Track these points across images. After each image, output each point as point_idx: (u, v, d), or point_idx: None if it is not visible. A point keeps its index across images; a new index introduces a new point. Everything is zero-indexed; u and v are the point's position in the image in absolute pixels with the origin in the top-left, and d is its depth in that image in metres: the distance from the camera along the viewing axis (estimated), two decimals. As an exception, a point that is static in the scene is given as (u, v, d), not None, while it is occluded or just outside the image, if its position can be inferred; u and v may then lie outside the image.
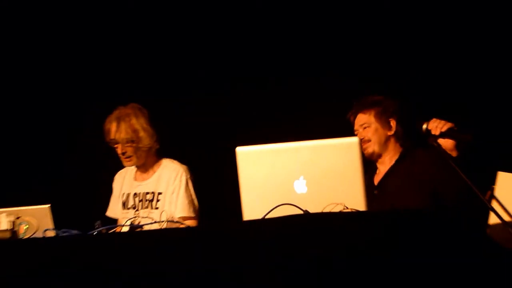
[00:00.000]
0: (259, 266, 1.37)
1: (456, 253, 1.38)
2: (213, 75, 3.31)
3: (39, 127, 3.54)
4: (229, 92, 3.28)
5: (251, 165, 1.71)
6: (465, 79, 2.93)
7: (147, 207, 2.73)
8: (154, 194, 2.73)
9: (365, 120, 2.47)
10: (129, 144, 2.65)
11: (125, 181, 2.85)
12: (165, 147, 2.81)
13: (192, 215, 2.66)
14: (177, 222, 2.24)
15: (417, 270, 1.33)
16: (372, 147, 2.45)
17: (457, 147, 2.12)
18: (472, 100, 2.85)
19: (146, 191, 2.75)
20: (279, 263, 1.37)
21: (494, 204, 1.81)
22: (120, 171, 2.90)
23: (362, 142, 2.38)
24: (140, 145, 2.67)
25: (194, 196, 2.71)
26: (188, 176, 2.72)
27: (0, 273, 1.58)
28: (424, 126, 2.06)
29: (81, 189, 3.37)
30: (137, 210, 2.75)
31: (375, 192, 2.43)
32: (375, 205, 2.23)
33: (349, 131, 2.51)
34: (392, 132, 2.47)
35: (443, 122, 2.05)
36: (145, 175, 2.80)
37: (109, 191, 2.90)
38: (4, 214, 1.94)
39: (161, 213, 2.40)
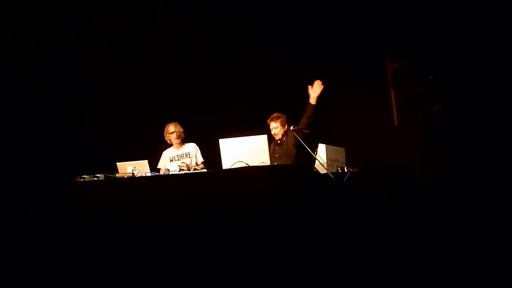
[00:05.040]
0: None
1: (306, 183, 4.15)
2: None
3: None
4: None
5: (228, 147, 4.35)
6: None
7: (185, 158, 5.69)
8: (186, 154, 5.75)
9: (275, 125, 5.22)
10: (178, 135, 5.69)
11: (170, 152, 5.83)
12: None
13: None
14: (198, 166, 5.39)
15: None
16: (279, 136, 5.22)
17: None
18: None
19: (182, 153, 5.74)
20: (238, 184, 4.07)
21: (318, 157, 4.67)
22: (166, 150, 5.97)
23: (275, 135, 5.19)
24: (182, 136, 5.72)
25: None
26: (198, 148, 5.82)
27: (126, 192, 4.17)
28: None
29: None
30: (179, 160, 5.69)
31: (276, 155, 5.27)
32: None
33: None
34: (284, 129, 5.25)
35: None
36: (180, 147, 5.79)
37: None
38: (128, 165, 4.50)
39: (190, 160, 5.58)
